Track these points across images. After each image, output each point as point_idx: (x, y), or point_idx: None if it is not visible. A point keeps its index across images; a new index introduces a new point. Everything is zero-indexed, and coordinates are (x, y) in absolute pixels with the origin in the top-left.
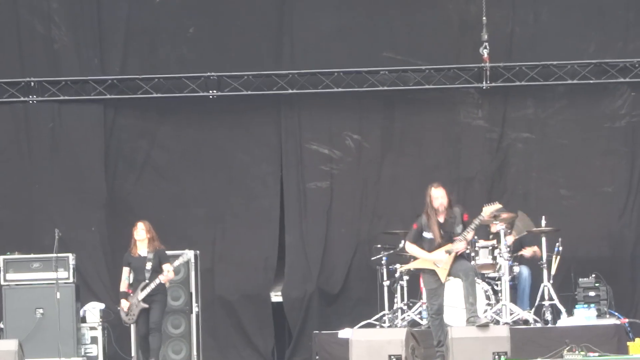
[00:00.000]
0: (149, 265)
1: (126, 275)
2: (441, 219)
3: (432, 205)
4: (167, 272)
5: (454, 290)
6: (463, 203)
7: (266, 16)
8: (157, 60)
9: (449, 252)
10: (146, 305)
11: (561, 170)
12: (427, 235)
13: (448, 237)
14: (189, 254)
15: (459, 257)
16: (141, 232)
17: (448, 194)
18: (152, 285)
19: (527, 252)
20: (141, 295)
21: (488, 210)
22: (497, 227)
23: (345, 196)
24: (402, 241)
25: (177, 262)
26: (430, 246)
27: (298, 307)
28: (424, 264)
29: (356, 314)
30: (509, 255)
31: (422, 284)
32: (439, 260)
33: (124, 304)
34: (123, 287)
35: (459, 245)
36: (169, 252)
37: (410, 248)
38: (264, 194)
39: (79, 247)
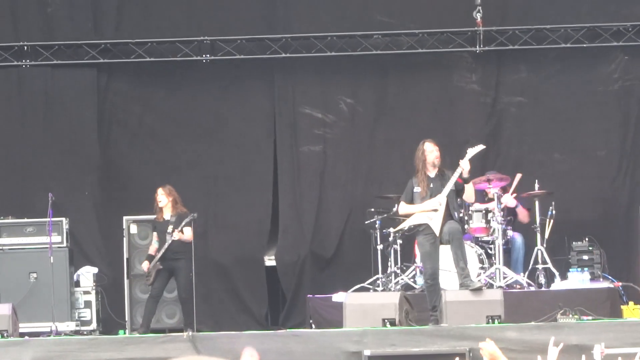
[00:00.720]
0: (169, 229)
1: (155, 240)
2: (432, 174)
3: (424, 160)
4: (175, 233)
5: (447, 255)
6: (456, 167)
7: None
8: (150, 24)
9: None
10: (161, 266)
11: (554, 134)
12: (416, 190)
13: (436, 191)
14: (194, 215)
15: (448, 218)
16: (162, 198)
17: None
18: (165, 246)
19: (522, 214)
20: (158, 256)
21: (472, 151)
22: (493, 190)
23: (338, 160)
24: (396, 205)
25: (184, 223)
26: (420, 201)
27: (291, 271)
28: (417, 219)
29: (350, 277)
30: (503, 219)
31: (416, 249)
32: (432, 208)
33: (144, 265)
34: (151, 250)
35: (459, 170)
36: None
37: (403, 207)
38: (258, 158)
39: (73, 211)
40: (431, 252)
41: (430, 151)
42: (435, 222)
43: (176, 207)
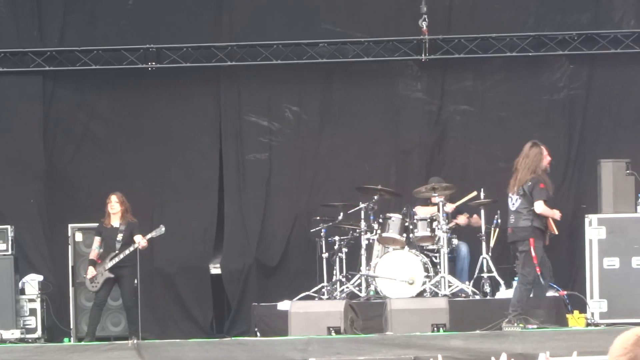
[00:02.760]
0: (119, 237)
1: (97, 245)
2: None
3: (542, 164)
4: (142, 240)
5: (392, 263)
6: (402, 175)
7: None
8: (96, 32)
9: None
10: (111, 275)
11: (500, 142)
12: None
13: None
14: (163, 228)
15: None
16: (115, 205)
17: None
18: (121, 256)
19: (461, 219)
20: (109, 264)
21: None
22: (436, 199)
23: (284, 168)
24: (341, 214)
25: (151, 235)
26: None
27: (237, 279)
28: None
29: (295, 286)
30: (447, 227)
31: (534, 252)
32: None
33: (90, 271)
34: (92, 255)
35: None
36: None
37: (545, 207)
38: (203, 166)
39: (18, 219)
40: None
41: (545, 156)
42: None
43: (126, 216)
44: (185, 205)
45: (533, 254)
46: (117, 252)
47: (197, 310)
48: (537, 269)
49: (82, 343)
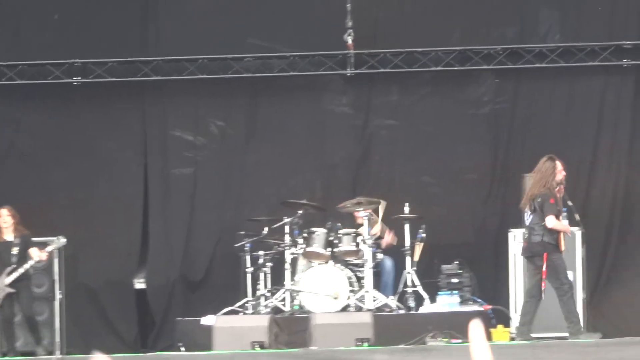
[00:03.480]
0: (15, 250)
1: None
2: (558, 194)
3: (555, 178)
4: (41, 254)
5: (317, 277)
6: (327, 190)
7: (131, 2)
8: (21, 46)
9: None
10: (12, 290)
11: (425, 157)
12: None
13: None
14: (63, 240)
15: None
16: (6, 219)
17: None
18: (21, 270)
19: (389, 238)
20: (8, 279)
21: None
22: (362, 214)
23: (209, 183)
24: (266, 228)
25: (50, 248)
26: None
27: (161, 294)
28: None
29: (220, 300)
30: (372, 242)
31: (545, 267)
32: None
33: None
34: None
35: None
36: (34, 239)
37: (556, 222)
38: (128, 181)
39: None
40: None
41: (560, 170)
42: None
43: (18, 229)
44: (110, 219)
45: (544, 269)
46: (14, 266)
47: (122, 325)
48: (543, 284)
49: (4, 358)
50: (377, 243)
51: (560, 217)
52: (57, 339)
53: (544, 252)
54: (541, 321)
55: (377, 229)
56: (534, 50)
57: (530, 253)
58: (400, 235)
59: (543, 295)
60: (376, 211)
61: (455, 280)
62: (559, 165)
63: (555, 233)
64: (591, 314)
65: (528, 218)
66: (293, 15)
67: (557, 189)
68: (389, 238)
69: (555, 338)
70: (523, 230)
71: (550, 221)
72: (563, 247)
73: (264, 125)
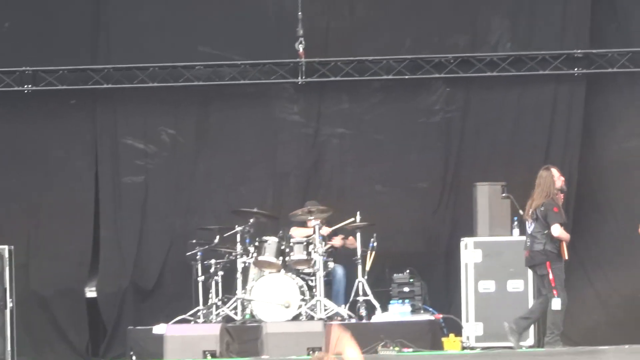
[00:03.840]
0: None
1: None
2: (560, 201)
3: (555, 186)
4: None
5: (268, 286)
6: (278, 198)
7: (82, 10)
8: None
9: None
10: None
11: (376, 165)
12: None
13: None
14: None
15: None
16: None
17: None
18: None
19: (336, 241)
20: None
21: None
22: (313, 222)
23: (160, 191)
24: (217, 237)
25: None
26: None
27: (112, 303)
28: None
29: (171, 309)
30: (323, 250)
31: (551, 274)
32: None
33: None
34: None
35: None
36: None
37: (562, 231)
38: (79, 189)
39: None
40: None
41: (559, 177)
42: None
43: None
44: (61, 227)
45: (551, 276)
46: None
47: (73, 333)
48: (555, 292)
49: None
50: (330, 251)
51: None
52: (8, 347)
53: (547, 260)
54: (500, 330)
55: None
56: (485, 59)
57: (533, 262)
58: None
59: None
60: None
61: (406, 289)
62: (555, 172)
63: (557, 242)
64: (542, 324)
65: (530, 226)
66: (244, 24)
67: (558, 195)
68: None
69: (502, 347)
70: (525, 238)
71: (556, 229)
72: (566, 256)
73: (215, 133)
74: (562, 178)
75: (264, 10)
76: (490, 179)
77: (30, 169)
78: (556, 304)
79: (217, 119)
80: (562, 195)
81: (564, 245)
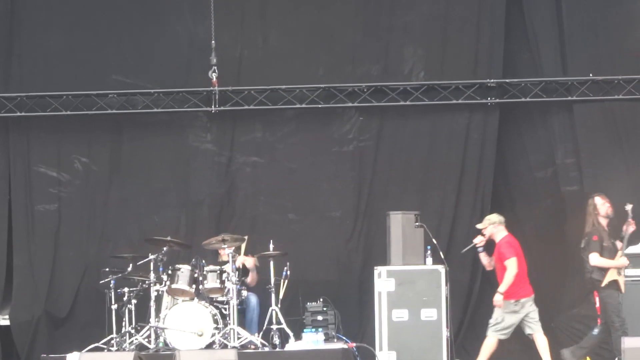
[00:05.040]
0: None
1: None
2: (607, 228)
3: (600, 214)
4: None
5: (182, 314)
6: (191, 227)
7: None
8: None
9: None
10: None
11: (289, 194)
12: (606, 244)
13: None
14: None
15: None
16: None
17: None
18: None
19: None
20: None
21: None
22: (227, 251)
23: (73, 219)
24: (130, 265)
25: None
26: (609, 256)
27: (26, 331)
28: (612, 275)
29: (84, 337)
30: (237, 279)
31: (598, 302)
32: (622, 266)
33: None
34: None
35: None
36: None
37: (599, 260)
38: None
39: None
40: (620, 302)
41: (603, 203)
42: (622, 278)
43: None
44: None
45: (597, 304)
46: None
47: None
48: (598, 320)
49: None
50: (242, 280)
51: (619, 253)
52: None
53: (594, 289)
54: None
55: (240, 261)
56: (398, 88)
57: (587, 290)
58: (265, 272)
59: (596, 331)
60: (238, 249)
61: (320, 317)
62: (599, 200)
63: (604, 270)
64: (456, 352)
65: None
66: (157, 52)
67: (607, 223)
68: (250, 262)
69: None
70: None
71: (593, 258)
72: (622, 288)
73: (127, 161)
74: (608, 204)
75: (177, 39)
76: (403, 208)
77: None
78: (596, 331)
79: (130, 147)
80: (606, 221)
81: (615, 273)
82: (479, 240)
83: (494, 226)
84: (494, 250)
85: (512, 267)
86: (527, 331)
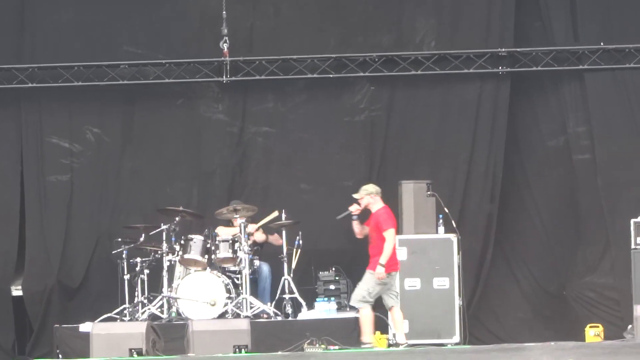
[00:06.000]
0: None
1: None
2: None
3: None
4: None
5: (194, 284)
6: (203, 197)
7: (6, 10)
8: None
9: None
10: None
11: (301, 164)
12: None
13: None
14: None
15: None
16: None
17: None
18: None
19: (257, 236)
20: None
21: None
22: (238, 221)
23: (85, 190)
24: (143, 235)
25: None
26: None
27: (38, 301)
28: None
29: (97, 307)
30: (249, 248)
31: None
32: None
33: None
34: None
35: None
36: None
37: None
38: (4, 188)
39: None
40: None
41: None
42: None
43: None
44: None
45: None
46: None
47: None
48: None
49: None
50: (255, 249)
51: None
52: None
53: None
54: (426, 327)
55: (260, 236)
56: (410, 57)
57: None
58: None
59: None
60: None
61: (332, 287)
62: None
63: None
64: (468, 321)
65: None
66: (168, 23)
67: None
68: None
69: (428, 345)
70: None
71: None
72: None
73: (139, 132)
74: None
75: (188, 9)
76: (415, 177)
77: None
78: None
79: (142, 118)
80: None
81: None
82: (354, 209)
83: (370, 196)
84: (367, 219)
85: (390, 238)
86: (389, 303)
